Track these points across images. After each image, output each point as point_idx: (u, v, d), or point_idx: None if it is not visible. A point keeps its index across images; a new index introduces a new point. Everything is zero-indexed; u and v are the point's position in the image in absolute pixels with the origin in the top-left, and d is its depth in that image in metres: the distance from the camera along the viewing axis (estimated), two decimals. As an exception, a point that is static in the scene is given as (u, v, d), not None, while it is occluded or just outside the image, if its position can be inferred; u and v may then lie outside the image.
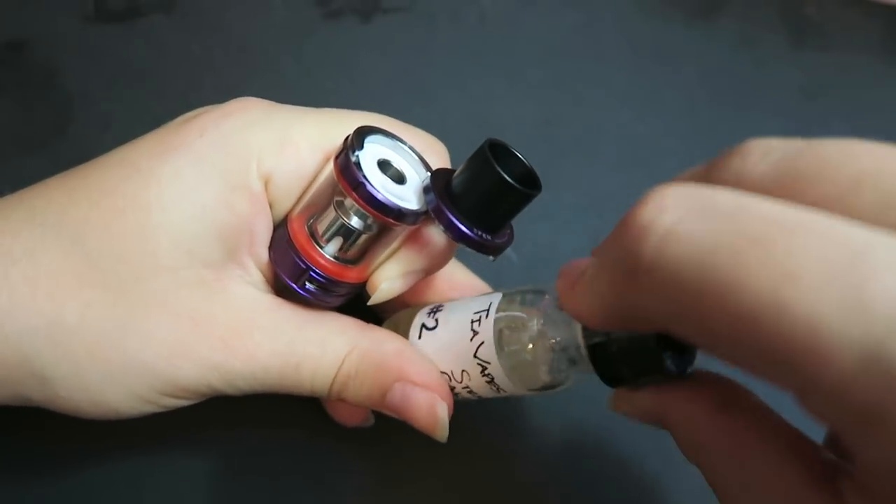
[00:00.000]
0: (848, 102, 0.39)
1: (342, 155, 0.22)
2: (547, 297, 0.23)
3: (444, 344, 0.24)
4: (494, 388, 0.24)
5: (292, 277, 0.24)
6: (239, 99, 0.25)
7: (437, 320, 0.25)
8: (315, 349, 0.23)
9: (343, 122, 0.24)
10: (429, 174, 0.23)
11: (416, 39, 0.39)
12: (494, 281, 0.29)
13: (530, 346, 0.22)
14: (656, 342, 0.19)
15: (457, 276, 0.28)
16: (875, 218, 0.13)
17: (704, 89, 0.39)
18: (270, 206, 0.24)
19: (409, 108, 0.37)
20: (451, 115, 0.37)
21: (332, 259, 0.24)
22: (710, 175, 0.17)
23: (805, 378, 0.13)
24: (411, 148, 0.24)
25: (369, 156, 0.23)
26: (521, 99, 0.38)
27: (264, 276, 0.24)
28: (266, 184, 0.23)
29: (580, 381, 0.22)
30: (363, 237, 0.24)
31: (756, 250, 0.13)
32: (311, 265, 0.24)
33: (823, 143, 0.15)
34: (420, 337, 0.25)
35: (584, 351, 0.21)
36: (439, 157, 0.25)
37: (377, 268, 0.24)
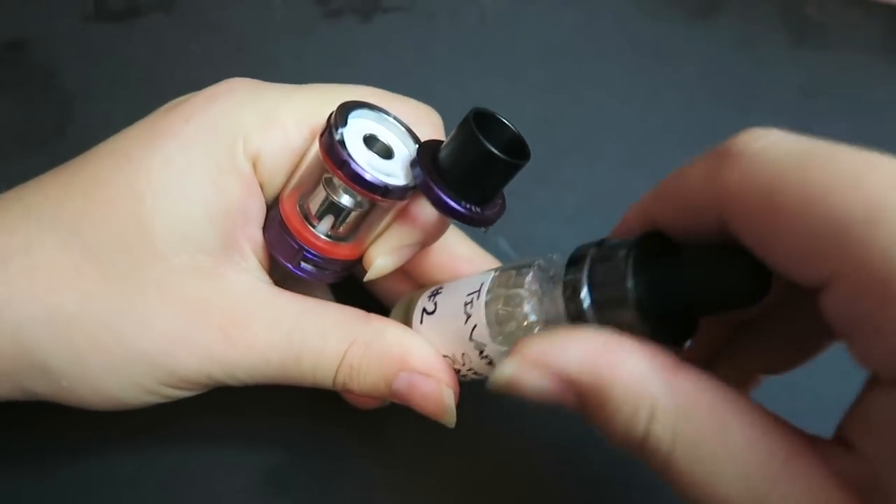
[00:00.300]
0: (848, 102, 0.39)
1: (326, 133, 0.22)
2: (534, 268, 0.22)
3: (443, 328, 0.24)
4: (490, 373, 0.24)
5: (287, 258, 0.24)
6: (227, 80, 0.25)
7: (435, 304, 0.24)
8: (315, 341, 0.23)
9: (331, 98, 0.24)
10: (416, 147, 0.23)
11: (416, 39, 0.39)
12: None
13: (525, 323, 0.22)
14: (636, 300, 0.18)
15: (459, 250, 0.27)
16: None
17: (704, 89, 0.39)
18: (262, 187, 0.24)
19: (409, 108, 0.37)
20: (452, 114, 0.37)
21: (324, 237, 0.24)
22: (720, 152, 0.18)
23: (847, 251, 0.14)
24: (397, 120, 0.24)
25: (354, 132, 0.22)
26: (521, 99, 0.38)
27: (259, 258, 0.24)
28: (255, 164, 0.23)
29: None
30: (354, 214, 0.23)
31: (836, 155, 0.15)
32: (304, 245, 0.24)
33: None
34: (422, 321, 0.25)
35: (567, 317, 0.20)
36: (432, 128, 0.25)
37: (370, 244, 0.24)
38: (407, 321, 0.26)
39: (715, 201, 0.17)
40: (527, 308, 0.22)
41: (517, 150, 0.21)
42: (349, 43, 0.39)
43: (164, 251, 0.22)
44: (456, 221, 0.22)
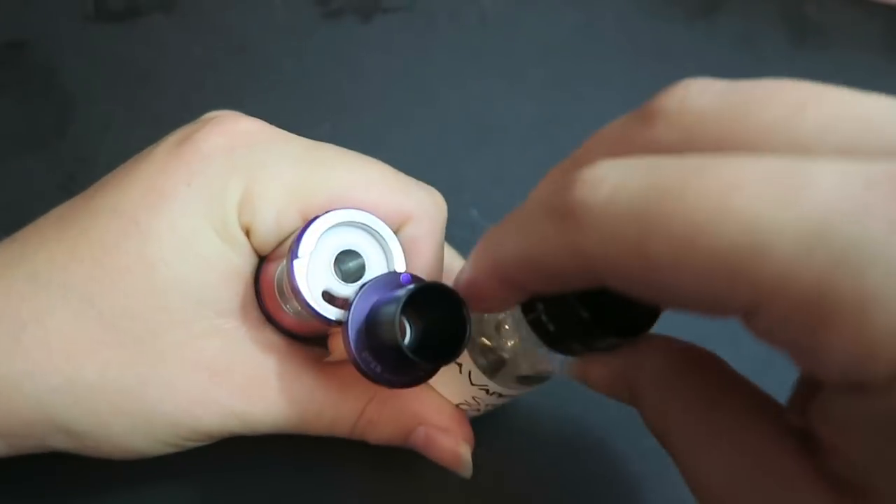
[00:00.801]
0: (848, 102, 0.39)
1: (289, 252, 0.21)
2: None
3: (444, 382, 0.24)
4: (508, 398, 0.24)
5: (267, 317, 0.25)
6: (227, 123, 0.23)
7: None
8: (334, 397, 0.24)
9: (328, 178, 0.23)
10: (363, 285, 0.21)
11: (416, 39, 0.39)
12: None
13: (508, 343, 0.22)
14: (577, 299, 0.18)
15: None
16: (818, 138, 0.13)
17: (704, 89, 0.39)
18: (256, 251, 0.24)
19: (409, 108, 0.37)
20: (451, 114, 0.37)
21: (292, 315, 0.23)
22: (647, 110, 0.16)
23: (751, 282, 0.12)
24: (388, 240, 0.22)
25: (327, 249, 0.21)
26: (521, 99, 0.38)
27: None
28: (247, 233, 0.23)
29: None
30: None
31: (701, 174, 0.13)
32: (274, 319, 0.24)
33: (765, 80, 0.15)
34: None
35: (527, 327, 0.20)
36: (427, 225, 0.24)
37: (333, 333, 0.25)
38: None
39: (579, 268, 0.15)
40: (505, 328, 0.22)
41: (453, 332, 0.19)
42: (349, 43, 0.39)
43: (183, 319, 0.22)
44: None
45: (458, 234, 0.28)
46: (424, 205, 0.24)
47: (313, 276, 0.21)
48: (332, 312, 0.21)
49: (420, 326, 0.21)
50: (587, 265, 0.15)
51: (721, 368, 0.18)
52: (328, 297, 0.21)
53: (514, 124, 0.37)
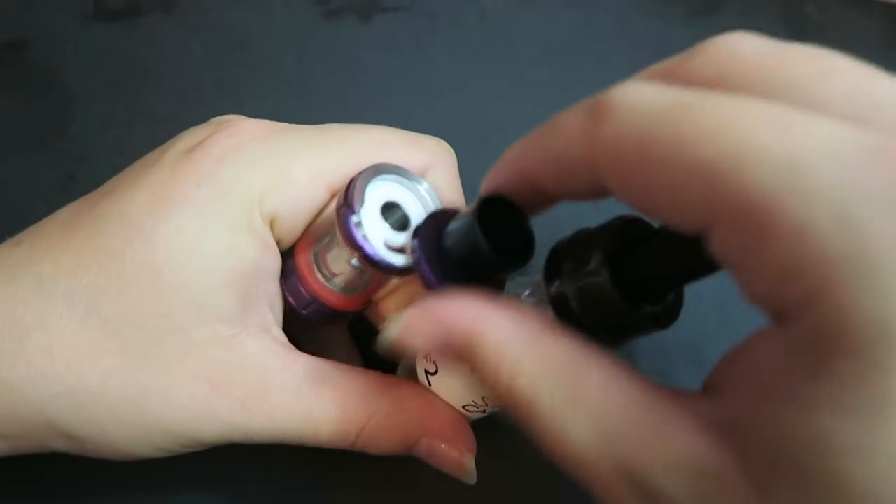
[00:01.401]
0: (848, 102, 0.39)
1: (343, 210, 0.22)
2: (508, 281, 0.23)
3: (451, 383, 0.24)
4: None
5: (300, 306, 0.25)
6: (234, 127, 0.24)
7: (433, 362, 0.24)
8: (333, 412, 0.23)
9: (344, 149, 0.24)
10: (421, 221, 0.22)
11: (416, 39, 0.39)
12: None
13: None
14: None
15: None
16: (832, 102, 0.15)
17: (704, 89, 0.39)
18: (278, 241, 0.24)
19: (409, 108, 0.37)
20: (452, 114, 0.37)
21: (337, 292, 0.24)
22: (698, 48, 0.18)
23: (717, 194, 0.14)
24: (418, 182, 0.24)
25: (372, 203, 0.22)
26: (521, 99, 0.38)
27: (275, 312, 0.25)
28: (272, 223, 0.23)
29: None
30: (366, 273, 0.24)
31: (714, 103, 0.15)
32: (317, 298, 0.24)
33: (806, 45, 0.17)
34: (430, 384, 0.25)
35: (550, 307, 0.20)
36: (444, 170, 0.25)
37: (382, 299, 0.25)
38: (412, 378, 0.26)
39: (588, 157, 0.17)
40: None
41: (522, 248, 0.21)
42: (349, 43, 0.39)
43: (184, 325, 0.22)
44: None
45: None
46: (438, 153, 0.25)
47: (370, 229, 0.22)
48: (397, 259, 0.22)
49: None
50: (596, 160, 0.17)
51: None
52: (387, 247, 0.22)
53: (514, 124, 0.37)
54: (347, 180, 0.23)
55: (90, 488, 0.28)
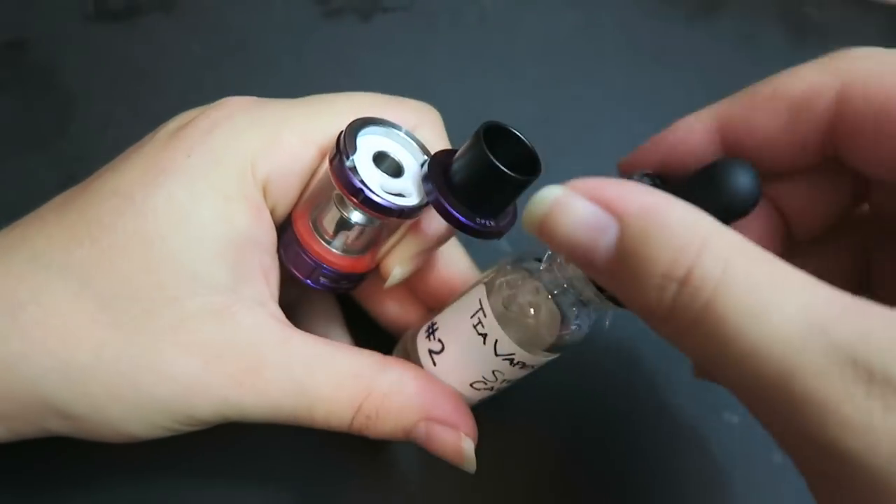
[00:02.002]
0: (848, 102, 0.39)
1: (336, 159, 0.22)
2: (513, 261, 0.23)
3: (461, 359, 0.24)
4: (529, 368, 0.24)
5: (305, 275, 0.25)
6: (222, 103, 0.24)
7: (439, 341, 0.24)
8: (328, 391, 0.23)
9: (332, 112, 0.24)
10: (426, 161, 0.23)
11: (416, 38, 0.39)
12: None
13: (541, 315, 0.22)
14: None
15: (459, 265, 0.28)
16: None
17: (704, 88, 0.39)
18: (273, 209, 0.24)
19: (409, 108, 0.37)
20: (451, 114, 0.37)
21: (339, 253, 0.24)
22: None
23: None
24: (407, 133, 0.24)
25: (364, 152, 0.23)
26: (520, 98, 0.38)
27: (270, 283, 0.24)
28: (265, 188, 0.23)
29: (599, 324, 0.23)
30: (367, 229, 0.24)
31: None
32: (321, 263, 0.24)
33: None
34: (434, 364, 0.25)
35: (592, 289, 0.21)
36: (433, 128, 0.26)
37: (387, 253, 0.25)
38: (409, 359, 0.26)
39: (826, 107, 0.19)
40: (540, 295, 0.22)
41: (528, 163, 0.21)
42: (349, 43, 0.39)
43: (176, 295, 0.22)
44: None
45: (458, 233, 0.28)
46: (424, 112, 0.26)
47: (366, 175, 0.22)
48: (398, 201, 0.22)
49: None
50: (839, 106, 0.20)
51: None
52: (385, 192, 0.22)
53: (514, 124, 0.37)
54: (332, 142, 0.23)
55: (90, 488, 0.28)
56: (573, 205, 0.17)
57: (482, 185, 0.21)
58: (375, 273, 0.26)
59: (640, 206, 0.16)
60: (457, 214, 0.22)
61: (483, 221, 0.22)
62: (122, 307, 0.22)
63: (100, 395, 0.22)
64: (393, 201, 0.22)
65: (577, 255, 0.17)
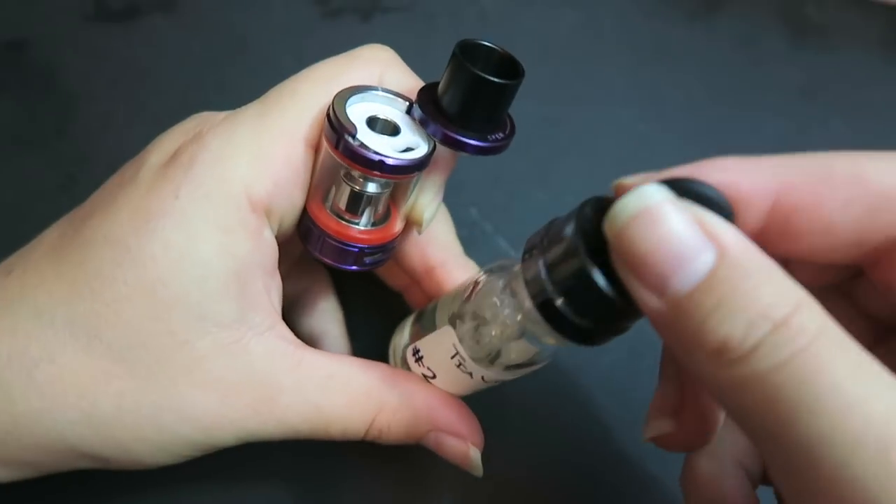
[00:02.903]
0: (847, 101, 0.39)
1: (342, 143, 0.22)
2: (481, 287, 0.23)
3: (455, 386, 0.25)
4: (525, 370, 0.24)
5: (348, 262, 0.24)
6: (196, 134, 0.24)
7: (429, 369, 0.25)
8: (343, 411, 0.24)
9: (300, 101, 0.24)
10: (412, 105, 0.23)
11: (416, 39, 0.39)
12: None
13: (509, 330, 0.22)
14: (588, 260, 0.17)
15: (447, 241, 0.28)
16: None
17: (704, 88, 0.39)
18: (281, 221, 0.24)
19: (409, 108, 0.37)
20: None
21: (372, 229, 0.24)
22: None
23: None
24: (384, 90, 0.24)
25: (358, 122, 0.22)
26: (520, 97, 0.38)
27: (274, 300, 0.25)
28: (268, 208, 0.23)
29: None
30: (384, 195, 0.24)
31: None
32: (359, 245, 0.24)
33: None
34: (431, 382, 0.25)
35: (535, 315, 0.19)
36: (396, 67, 0.25)
37: (410, 207, 0.25)
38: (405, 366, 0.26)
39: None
40: (502, 317, 0.22)
41: (510, 68, 0.22)
42: (349, 43, 0.39)
43: (187, 338, 0.22)
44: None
45: (458, 233, 0.28)
46: (381, 57, 0.26)
47: (375, 145, 0.22)
48: (414, 155, 0.22)
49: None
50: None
51: None
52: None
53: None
54: (321, 122, 0.23)
55: (89, 487, 0.28)
56: (672, 217, 0.16)
57: (477, 102, 0.22)
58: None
59: (742, 241, 0.16)
60: (469, 140, 0.22)
61: (494, 136, 0.22)
62: (134, 357, 0.22)
63: (126, 438, 0.23)
64: (410, 158, 0.22)
65: (649, 271, 0.16)
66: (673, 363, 0.23)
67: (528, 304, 0.19)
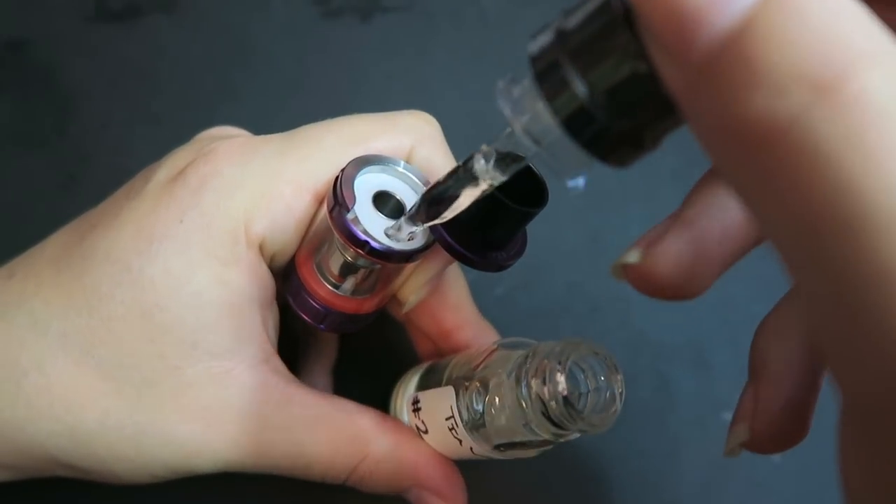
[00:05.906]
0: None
1: (336, 211, 0.21)
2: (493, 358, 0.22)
3: (444, 448, 0.24)
4: (507, 458, 0.24)
5: (317, 321, 0.24)
6: (211, 151, 0.23)
7: (423, 422, 0.25)
8: (326, 452, 0.24)
9: (322, 153, 0.24)
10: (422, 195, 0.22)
11: (416, 39, 0.39)
12: (495, 278, 0.29)
13: (507, 418, 0.21)
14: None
15: (460, 301, 0.27)
16: None
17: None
18: (272, 259, 0.24)
19: (409, 108, 0.37)
20: (451, 114, 0.37)
21: (348, 297, 0.24)
22: None
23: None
24: (405, 167, 0.23)
25: (363, 196, 0.22)
26: (520, 98, 0.38)
27: (269, 334, 0.25)
28: (262, 244, 0.23)
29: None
30: (373, 270, 0.24)
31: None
32: (331, 308, 0.24)
33: None
34: (422, 436, 0.25)
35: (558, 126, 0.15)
36: (431, 143, 0.25)
37: (401, 286, 0.25)
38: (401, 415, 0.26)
39: None
40: (502, 403, 0.21)
41: (534, 195, 0.20)
42: (349, 43, 0.39)
43: (178, 364, 0.23)
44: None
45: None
46: (418, 128, 0.25)
47: (369, 224, 0.21)
48: (405, 245, 0.22)
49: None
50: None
51: None
52: (389, 236, 0.22)
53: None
54: (331, 183, 0.22)
55: (87, 486, 0.28)
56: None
57: (486, 218, 0.20)
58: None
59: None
60: (464, 252, 0.21)
61: (493, 255, 0.21)
62: (124, 376, 0.22)
63: (105, 456, 0.23)
64: (400, 247, 0.21)
65: (676, 22, 0.12)
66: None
67: (525, 118, 0.16)
